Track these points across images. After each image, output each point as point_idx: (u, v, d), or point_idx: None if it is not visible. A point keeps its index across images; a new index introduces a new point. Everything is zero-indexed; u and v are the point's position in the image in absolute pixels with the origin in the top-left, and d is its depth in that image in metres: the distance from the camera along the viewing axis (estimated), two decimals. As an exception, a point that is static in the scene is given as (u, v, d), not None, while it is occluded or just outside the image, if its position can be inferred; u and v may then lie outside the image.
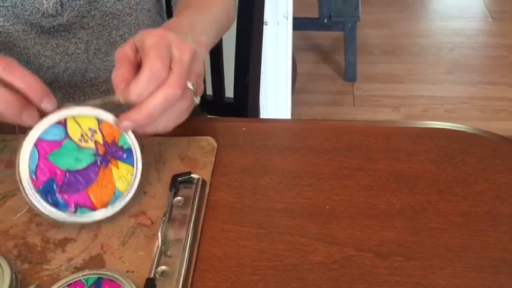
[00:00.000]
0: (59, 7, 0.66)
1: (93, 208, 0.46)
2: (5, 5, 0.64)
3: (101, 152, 0.47)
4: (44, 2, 0.65)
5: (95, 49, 0.70)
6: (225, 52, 0.98)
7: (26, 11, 0.65)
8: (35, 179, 0.45)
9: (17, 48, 0.67)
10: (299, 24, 1.89)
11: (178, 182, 0.50)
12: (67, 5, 0.67)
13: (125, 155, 0.48)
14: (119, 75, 0.47)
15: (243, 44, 0.92)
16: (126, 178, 0.48)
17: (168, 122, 0.49)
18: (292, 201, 0.50)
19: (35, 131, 0.45)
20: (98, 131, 0.47)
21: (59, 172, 0.46)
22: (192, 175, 0.50)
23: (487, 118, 1.90)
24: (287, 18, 1.46)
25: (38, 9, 0.66)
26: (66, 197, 0.46)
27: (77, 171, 0.46)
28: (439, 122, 0.60)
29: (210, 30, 0.63)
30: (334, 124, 0.61)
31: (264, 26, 1.40)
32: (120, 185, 0.47)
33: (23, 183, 0.45)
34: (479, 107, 1.95)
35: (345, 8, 2.02)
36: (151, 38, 0.47)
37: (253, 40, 0.92)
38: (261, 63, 1.01)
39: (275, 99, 1.62)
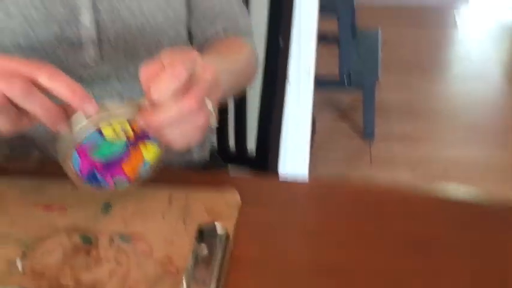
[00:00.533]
0: (99, 59, 0.72)
1: (128, 180, 0.55)
2: (50, 57, 0.70)
3: (131, 140, 0.53)
4: (86, 54, 0.71)
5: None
6: (248, 105, 1.03)
7: (69, 62, 0.71)
8: (80, 174, 0.52)
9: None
10: (319, 82, 1.94)
11: (203, 233, 0.52)
12: (106, 58, 0.72)
13: (150, 136, 0.53)
14: (145, 72, 0.50)
15: (267, 98, 0.96)
16: (152, 151, 0.54)
17: (181, 136, 0.51)
18: (311, 260, 0.51)
19: (76, 137, 0.50)
20: (128, 128, 0.51)
21: (97, 163, 0.53)
22: (217, 227, 0.52)
23: (505, 179, 1.90)
24: (309, 76, 1.51)
25: (79, 61, 0.71)
26: (105, 176, 0.54)
27: (112, 157, 0.53)
28: (455, 187, 0.61)
29: (227, 77, 0.65)
30: (354, 186, 0.63)
31: (287, 84, 1.46)
32: (148, 156, 0.55)
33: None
34: (497, 169, 1.96)
35: (364, 68, 2.09)
36: (177, 53, 0.50)
37: (276, 96, 0.97)
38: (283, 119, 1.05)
39: (294, 154, 1.65)
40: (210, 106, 0.50)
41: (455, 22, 3.12)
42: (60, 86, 0.49)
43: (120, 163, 0.54)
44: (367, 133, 2.14)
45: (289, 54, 0.97)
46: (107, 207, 0.56)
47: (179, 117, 0.48)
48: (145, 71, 0.50)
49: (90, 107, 0.49)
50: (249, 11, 0.95)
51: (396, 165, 2.00)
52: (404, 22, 3.13)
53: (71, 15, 0.69)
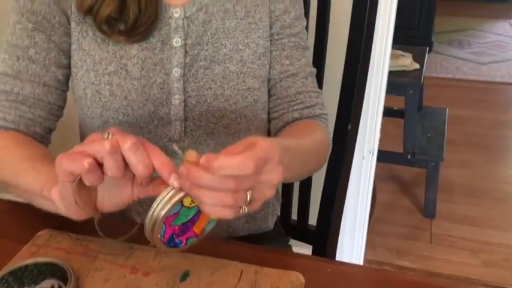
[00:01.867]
0: (183, 134, 0.81)
1: (196, 236, 0.62)
2: (142, 131, 0.80)
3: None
4: (173, 129, 0.80)
5: None
6: (313, 181, 1.08)
7: (158, 135, 0.80)
8: (162, 238, 0.59)
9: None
10: (383, 156, 1.97)
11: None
12: (189, 134, 0.81)
13: None
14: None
15: (333, 175, 1.01)
16: None
17: (209, 206, 0.52)
18: None
19: (166, 212, 0.55)
20: None
21: (176, 228, 0.59)
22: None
23: None
24: (372, 154, 1.56)
25: (167, 134, 0.81)
26: (181, 238, 0.60)
27: (188, 221, 0.60)
28: None
29: (296, 159, 0.67)
30: (411, 278, 0.66)
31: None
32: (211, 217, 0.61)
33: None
34: None
35: (429, 147, 2.09)
36: (264, 143, 0.52)
37: (341, 175, 1.01)
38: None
39: (352, 227, 1.67)
40: (249, 194, 0.53)
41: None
42: (154, 158, 0.55)
43: (193, 225, 0.61)
44: (428, 212, 2.12)
45: (356, 137, 1.02)
46: (185, 276, 0.62)
47: (212, 185, 0.51)
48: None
49: (175, 179, 0.54)
50: (323, 93, 1.02)
51: (457, 248, 1.96)
52: (471, 98, 3.12)
53: (164, 97, 0.79)
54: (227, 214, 0.53)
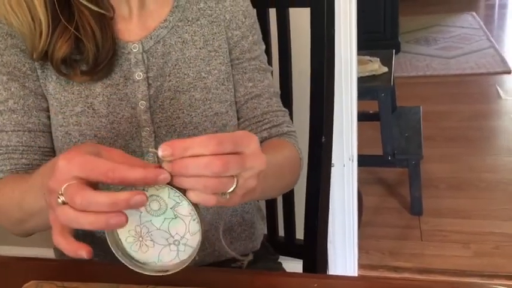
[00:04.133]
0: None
1: None
2: None
3: None
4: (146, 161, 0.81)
5: None
6: (296, 196, 1.09)
7: None
8: None
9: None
10: (364, 160, 1.99)
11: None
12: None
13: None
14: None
15: (313, 187, 1.01)
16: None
17: (196, 193, 0.51)
18: None
19: None
20: None
21: None
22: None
23: None
24: (352, 160, 1.57)
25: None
26: None
27: None
28: (497, 285, 0.63)
29: (272, 172, 0.66)
30: (397, 282, 0.67)
31: (331, 168, 1.52)
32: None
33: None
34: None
35: (408, 146, 2.12)
36: (239, 131, 0.53)
37: (321, 186, 1.02)
38: (329, 205, 1.10)
39: (342, 234, 1.68)
40: (235, 182, 0.52)
41: (498, 92, 3.13)
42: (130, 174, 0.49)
43: None
44: (415, 210, 2.14)
45: (332, 147, 1.03)
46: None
47: (198, 167, 0.49)
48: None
49: (164, 177, 0.50)
50: (291, 108, 1.03)
51: (448, 242, 1.98)
52: (444, 93, 3.17)
53: (134, 130, 0.80)
54: (212, 201, 0.52)
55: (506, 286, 0.62)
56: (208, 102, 0.82)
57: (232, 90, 0.86)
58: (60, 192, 0.50)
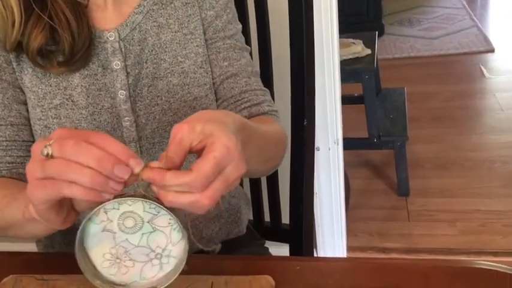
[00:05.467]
0: (139, 154, 0.80)
1: None
2: None
3: None
4: None
5: None
6: (280, 180, 1.09)
7: None
8: None
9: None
10: (350, 143, 2.00)
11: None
12: (145, 153, 0.81)
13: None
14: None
15: (297, 171, 1.01)
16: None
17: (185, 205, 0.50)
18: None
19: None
20: None
21: None
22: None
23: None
24: (337, 144, 1.57)
25: None
26: None
27: None
28: (484, 262, 0.63)
29: (254, 142, 0.65)
30: (380, 262, 0.67)
31: (316, 152, 1.52)
32: None
33: None
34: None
35: (393, 127, 2.13)
36: (221, 148, 0.49)
37: (305, 169, 1.02)
38: (315, 187, 1.09)
39: (330, 217, 1.69)
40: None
41: (482, 71, 3.15)
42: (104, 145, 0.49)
43: None
44: (402, 191, 2.15)
45: (314, 129, 1.03)
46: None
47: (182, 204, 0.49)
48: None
49: (134, 163, 0.49)
50: (272, 91, 1.02)
51: (435, 221, 2.00)
52: (428, 74, 3.18)
53: (115, 121, 0.78)
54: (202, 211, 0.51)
55: (493, 262, 0.62)
56: (187, 87, 0.81)
57: (211, 73, 0.84)
58: (48, 144, 0.48)
